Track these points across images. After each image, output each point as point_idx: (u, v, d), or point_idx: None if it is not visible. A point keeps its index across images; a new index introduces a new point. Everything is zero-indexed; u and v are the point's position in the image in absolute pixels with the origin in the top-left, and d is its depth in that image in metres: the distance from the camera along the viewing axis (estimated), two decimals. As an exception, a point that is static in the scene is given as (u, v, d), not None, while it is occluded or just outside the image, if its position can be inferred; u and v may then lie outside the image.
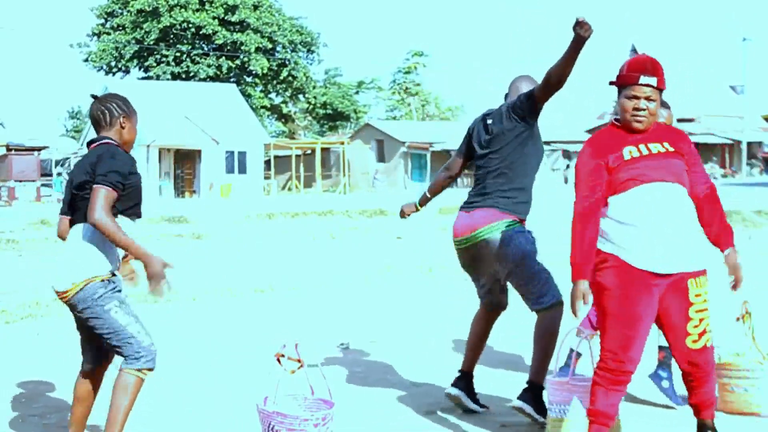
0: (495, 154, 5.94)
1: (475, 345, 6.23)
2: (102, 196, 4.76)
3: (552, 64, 5.58)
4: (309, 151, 54.18)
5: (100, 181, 4.78)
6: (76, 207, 5.01)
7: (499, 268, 5.89)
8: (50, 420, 6.09)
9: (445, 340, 8.49)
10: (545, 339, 5.80)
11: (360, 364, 7.62)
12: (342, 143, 53.37)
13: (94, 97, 5.16)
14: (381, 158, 54.34)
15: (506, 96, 6.18)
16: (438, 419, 6.05)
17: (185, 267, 14.01)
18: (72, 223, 5.07)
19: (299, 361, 5.25)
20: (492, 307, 6.17)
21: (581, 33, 5.24)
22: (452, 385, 6.16)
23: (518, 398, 5.81)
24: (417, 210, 6.55)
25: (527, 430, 5.81)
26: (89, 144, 5.13)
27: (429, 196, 6.54)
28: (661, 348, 6.32)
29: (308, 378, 5.28)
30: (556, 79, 5.59)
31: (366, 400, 6.52)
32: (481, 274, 6.07)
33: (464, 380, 6.16)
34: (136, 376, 4.94)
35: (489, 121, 6.03)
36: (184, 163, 47.94)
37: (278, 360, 5.23)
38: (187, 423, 6.03)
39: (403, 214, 6.62)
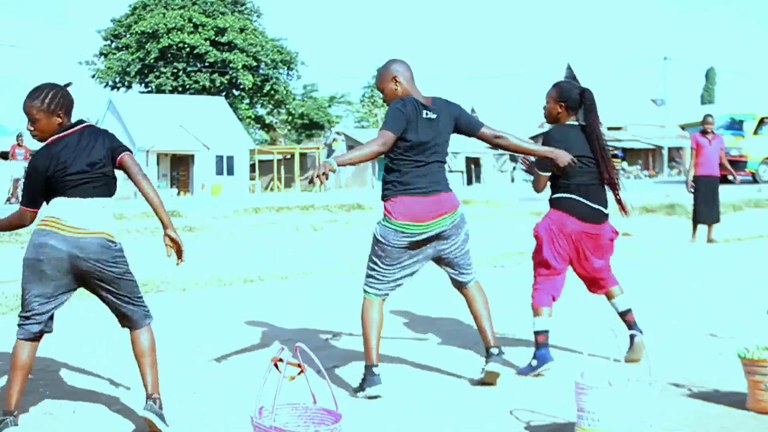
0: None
1: (380, 334, 5.38)
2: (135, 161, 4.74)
3: (516, 139, 5.55)
4: (289, 156, 53.95)
5: (126, 149, 4.74)
6: (86, 184, 4.62)
7: (450, 245, 5.40)
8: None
9: (437, 327, 7.20)
10: (487, 303, 5.55)
11: (362, 364, 6.24)
12: (317, 149, 53.09)
13: (67, 85, 4.82)
14: (351, 161, 53.61)
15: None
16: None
17: (176, 258, 12.69)
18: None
19: (299, 365, 3.88)
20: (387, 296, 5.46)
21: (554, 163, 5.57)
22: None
23: (496, 363, 5.39)
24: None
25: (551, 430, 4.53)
26: (67, 129, 4.74)
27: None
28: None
29: (309, 384, 3.92)
30: (507, 148, 5.57)
31: (376, 408, 5.12)
32: (425, 257, 5.41)
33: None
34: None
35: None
36: (179, 166, 47.56)
37: (276, 365, 3.86)
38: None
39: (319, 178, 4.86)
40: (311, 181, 4.91)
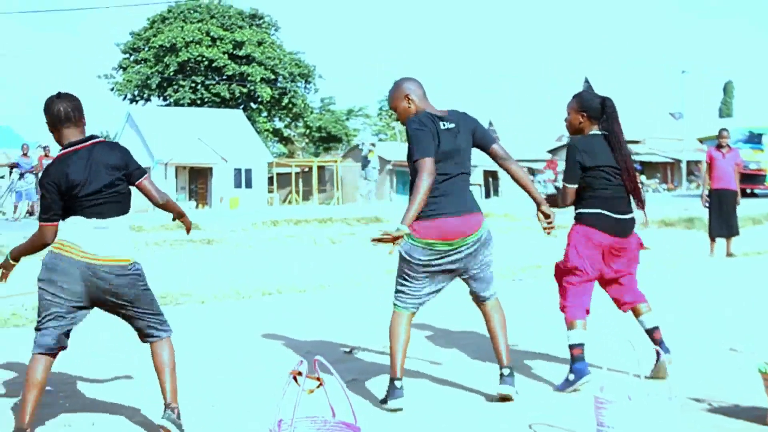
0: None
1: (405, 351, 5.40)
2: (153, 182, 4.85)
3: (521, 170, 5.63)
4: (307, 169, 53.93)
5: (144, 173, 4.75)
6: (104, 204, 4.62)
7: (473, 261, 5.40)
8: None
9: (457, 341, 7.19)
10: (505, 321, 5.55)
11: (381, 378, 6.24)
12: (335, 162, 53.11)
13: (59, 95, 4.73)
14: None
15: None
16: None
17: (196, 271, 12.73)
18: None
19: (318, 379, 3.88)
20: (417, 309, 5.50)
21: (543, 223, 5.67)
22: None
23: (507, 385, 5.36)
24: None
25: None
26: (74, 144, 4.69)
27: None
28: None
29: (328, 397, 3.93)
30: (509, 173, 5.58)
31: (395, 421, 5.12)
32: (450, 274, 5.45)
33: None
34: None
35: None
36: (197, 179, 47.45)
37: (295, 378, 3.87)
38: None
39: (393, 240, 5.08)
40: (393, 241, 5.04)
